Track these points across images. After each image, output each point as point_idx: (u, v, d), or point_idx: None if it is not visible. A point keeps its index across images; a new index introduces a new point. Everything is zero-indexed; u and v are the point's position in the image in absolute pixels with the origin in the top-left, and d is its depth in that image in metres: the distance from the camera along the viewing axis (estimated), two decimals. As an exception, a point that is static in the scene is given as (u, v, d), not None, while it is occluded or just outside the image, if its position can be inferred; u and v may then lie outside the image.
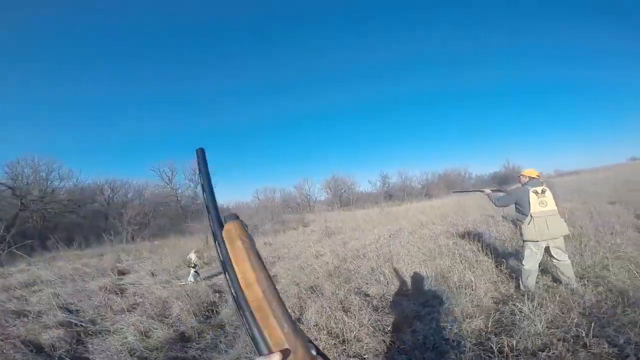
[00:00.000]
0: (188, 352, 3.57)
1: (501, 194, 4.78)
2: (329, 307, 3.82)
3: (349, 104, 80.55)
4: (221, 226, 0.50)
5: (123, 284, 6.89)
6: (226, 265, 0.47)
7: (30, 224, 20.05)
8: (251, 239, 0.50)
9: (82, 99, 52.72)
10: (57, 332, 4.03)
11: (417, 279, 4.85)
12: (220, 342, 3.70)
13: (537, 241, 3.86)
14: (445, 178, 40.70)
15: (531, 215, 3.87)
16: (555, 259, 3.90)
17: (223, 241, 0.49)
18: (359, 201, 34.80)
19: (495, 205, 4.52)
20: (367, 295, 4.54)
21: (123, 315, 4.62)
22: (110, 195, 26.86)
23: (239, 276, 0.46)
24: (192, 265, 6.67)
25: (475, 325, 3.23)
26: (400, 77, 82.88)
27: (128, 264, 9.46)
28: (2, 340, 3.76)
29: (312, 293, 4.58)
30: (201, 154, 0.60)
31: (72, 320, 4.45)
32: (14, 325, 4.34)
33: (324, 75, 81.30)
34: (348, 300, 4.12)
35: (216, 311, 4.48)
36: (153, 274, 7.69)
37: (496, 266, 4.87)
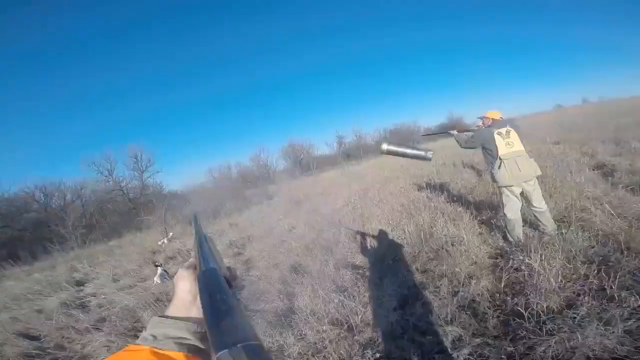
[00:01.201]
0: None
1: (467, 134, 4.59)
2: (321, 289, 3.42)
3: (297, 68, 77.79)
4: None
5: (83, 297, 6.07)
6: None
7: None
8: None
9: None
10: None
11: (403, 240, 4.60)
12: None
13: (511, 186, 3.68)
14: (397, 132, 41.81)
15: (500, 158, 3.67)
16: (533, 205, 3.75)
17: None
18: (319, 165, 34.52)
19: (461, 147, 4.28)
20: (355, 266, 4.19)
21: (91, 336, 3.95)
22: (46, 201, 23.53)
23: None
24: (158, 264, 5.92)
25: (483, 285, 3.01)
26: (346, 38, 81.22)
27: (85, 272, 8.45)
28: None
29: (296, 274, 4.15)
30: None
31: (35, 352, 3.83)
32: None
33: (268, 42, 76.81)
34: (340, 277, 3.75)
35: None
36: (114, 280, 6.84)
37: (475, 217, 4.77)
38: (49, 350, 3.85)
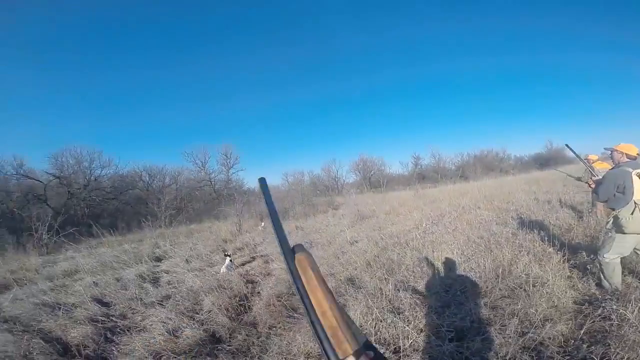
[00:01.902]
0: (218, 355, 3.23)
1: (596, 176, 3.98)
2: (376, 307, 3.34)
3: (377, 85, 77.67)
4: (292, 256, 0.50)
5: (158, 272, 6.84)
6: (302, 294, 0.47)
7: (78, 211, 21.13)
8: (318, 269, 0.50)
9: (114, 90, 54.04)
10: (86, 329, 3.90)
11: (474, 273, 4.24)
12: (253, 344, 3.34)
13: (639, 234, 3.19)
14: (482, 159, 38.64)
15: (635, 203, 3.15)
16: None
17: (296, 269, 0.48)
18: (389, 183, 33.85)
19: (599, 201, 3.74)
20: (416, 291, 4.00)
21: (153, 310, 4.39)
22: (149, 182, 27.48)
23: (314, 304, 0.46)
24: (227, 254, 6.46)
25: (558, 330, 2.64)
26: (431, 57, 78.37)
27: (165, 249, 9.51)
28: (32, 338, 3.64)
29: (351, 286, 4.11)
30: (263, 183, 0.63)
31: (101, 318, 4.31)
32: (46, 321, 4.24)
33: (351, 57, 78.75)
34: (397, 298, 3.61)
35: (248, 306, 4.15)
36: (187, 261, 7.59)
37: (567, 260, 4.15)
38: (113, 318, 4.31)
